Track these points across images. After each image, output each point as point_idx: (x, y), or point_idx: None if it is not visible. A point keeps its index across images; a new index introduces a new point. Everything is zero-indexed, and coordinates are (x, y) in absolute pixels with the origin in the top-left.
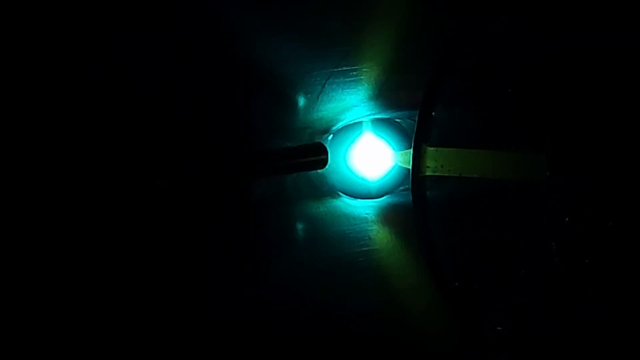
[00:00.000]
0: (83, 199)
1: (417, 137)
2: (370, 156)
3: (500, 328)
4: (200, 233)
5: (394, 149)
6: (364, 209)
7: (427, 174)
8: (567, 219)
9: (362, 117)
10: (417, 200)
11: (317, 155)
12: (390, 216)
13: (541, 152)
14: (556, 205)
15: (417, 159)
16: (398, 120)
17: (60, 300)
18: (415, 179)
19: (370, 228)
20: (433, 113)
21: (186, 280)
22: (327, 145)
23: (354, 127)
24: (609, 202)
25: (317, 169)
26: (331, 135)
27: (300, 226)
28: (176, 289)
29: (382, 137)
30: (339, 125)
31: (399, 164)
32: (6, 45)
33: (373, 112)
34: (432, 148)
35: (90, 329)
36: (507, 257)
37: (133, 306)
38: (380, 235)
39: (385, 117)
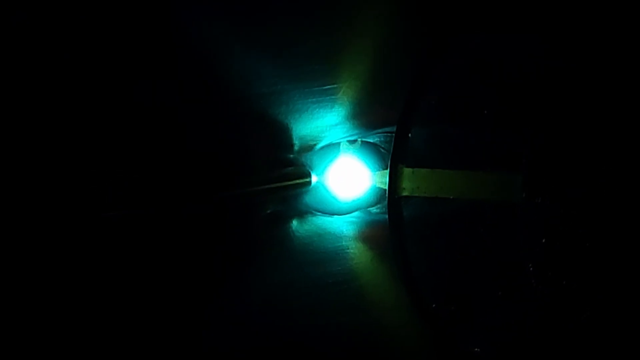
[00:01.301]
0: (83, 202)
1: (393, 158)
2: (347, 176)
3: (478, 349)
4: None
5: (371, 169)
6: (343, 227)
7: (404, 194)
8: (543, 240)
9: (341, 137)
10: (393, 222)
11: (302, 178)
12: (369, 235)
13: (517, 173)
14: (532, 226)
15: (394, 179)
16: (375, 141)
17: (60, 303)
18: (391, 200)
19: (348, 247)
20: (410, 134)
21: (184, 289)
22: (308, 164)
23: (332, 147)
24: (585, 222)
25: (301, 190)
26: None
27: (281, 245)
28: (174, 297)
29: (360, 158)
30: (320, 144)
31: (376, 184)
32: (6, 45)
33: (352, 131)
34: (408, 169)
35: (89, 331)
36: (484, 278)
37: (132, 310)
38: (358, 255)
39: (363, 138)
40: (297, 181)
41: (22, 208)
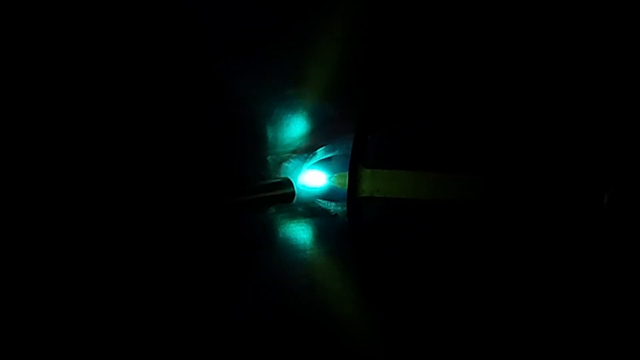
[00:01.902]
0: (83, 203)
1: (352, 160)
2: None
3: (443, 344)
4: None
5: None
6: (311, 231)
7: (363, 195)
8: (504, 241)
9: (311, 144)
10: (353, 223)
11: (285, 189)
12: (334, 236)
13: (476, 175)
14: (491, 227)
15: (353, 181)
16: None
17: (61, 303)
18: (350, 202)
19: (314, 250)
20: (368, 135)
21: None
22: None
23: (303, 153)
24: (542, 224)
25: (286, 202)
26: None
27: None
28: (171, 298)
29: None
30: (292, 151)
31: (337, 185)
32: (6, 45)
33: (322, 138)
34: (368, 170)
35: (89, 331)
36: (443, 275)
37: (132, 310)
38: (325, 256)
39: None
40: (281, 192)
41: (22, 208)
